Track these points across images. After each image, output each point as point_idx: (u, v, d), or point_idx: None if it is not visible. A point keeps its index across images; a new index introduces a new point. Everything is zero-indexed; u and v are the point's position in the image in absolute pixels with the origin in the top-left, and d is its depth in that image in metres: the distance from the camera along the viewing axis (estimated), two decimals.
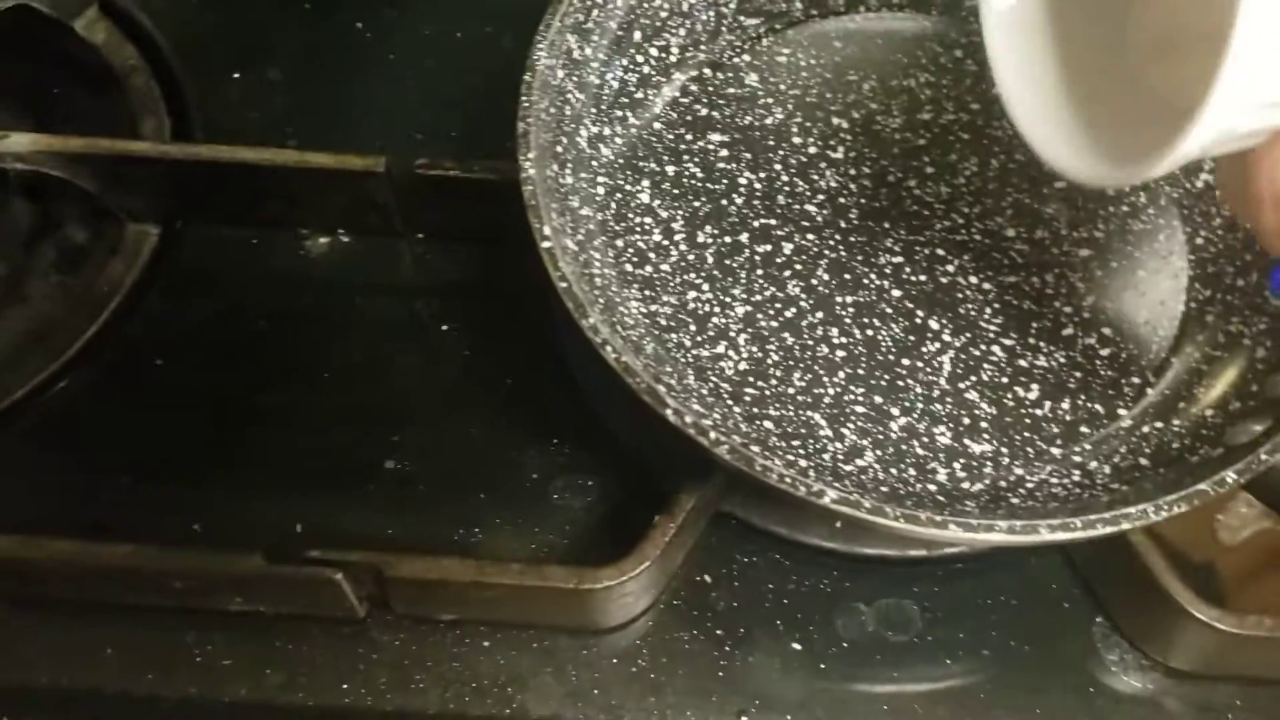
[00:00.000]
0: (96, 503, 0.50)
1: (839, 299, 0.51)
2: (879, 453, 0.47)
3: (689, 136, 0.54)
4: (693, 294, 0.50)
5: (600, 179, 0.52)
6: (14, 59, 0.62)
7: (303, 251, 0.56)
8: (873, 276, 0.51)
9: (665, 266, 0.51)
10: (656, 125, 0.55)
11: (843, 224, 0.52)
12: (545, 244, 0.44)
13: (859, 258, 0.52)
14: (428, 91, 0.61)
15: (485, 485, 0.50)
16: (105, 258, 0.56)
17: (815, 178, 0.54)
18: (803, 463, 0.46)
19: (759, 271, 0.51)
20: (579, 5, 0.50)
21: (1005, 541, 0.40)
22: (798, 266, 0.51)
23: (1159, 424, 0.47)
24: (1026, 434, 0.47)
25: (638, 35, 0.53)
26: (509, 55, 0.55)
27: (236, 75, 0.62)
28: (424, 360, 0.53)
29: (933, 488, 0.46)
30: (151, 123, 0.59)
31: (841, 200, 0.53)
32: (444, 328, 0.54)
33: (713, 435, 0.40)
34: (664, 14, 0.55)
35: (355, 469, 0.51)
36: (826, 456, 0.46)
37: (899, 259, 0.52)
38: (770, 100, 0.56)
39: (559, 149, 0.49)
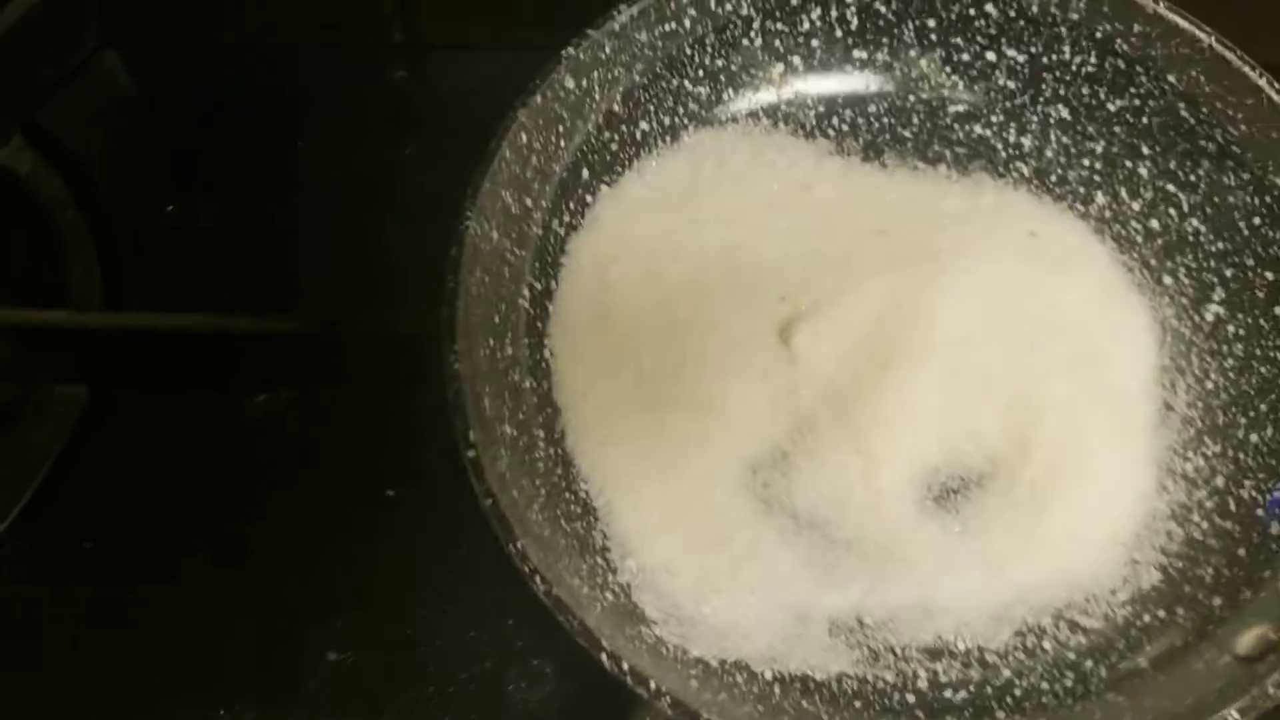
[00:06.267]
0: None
1: None
2: (856, 654, 0.43)
3: None
4: None
5: (545, 347, 0.47)
6: None
7: (239, 410, 0.52)
8: None
9: None
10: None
11: None
12: (470, 453, 0.40)
13: None
14: (354, 231, 0.57)
15: (435, 677, 0.47)
16: (33, 420, 0.53)
17: None
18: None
19: None
20: (512, 156, 0.45)
21: None
22: None
23: (1161, 613, 0.43)
24: (1017, 631, 0.43)
25: (585, 174, 0.49)
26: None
27: (170, 208, 0.58)
28: (365, 541, 0.49)
29: (911, 698, 0.42)
30: (81, 264, 0.55)
31: None
32: (390, 493, 0.50)
33: (653, 685, 0.36)
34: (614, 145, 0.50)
35: (294, 661, 0.47)
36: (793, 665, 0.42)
37: None
38: None
39: (496, 319, 0.44)
